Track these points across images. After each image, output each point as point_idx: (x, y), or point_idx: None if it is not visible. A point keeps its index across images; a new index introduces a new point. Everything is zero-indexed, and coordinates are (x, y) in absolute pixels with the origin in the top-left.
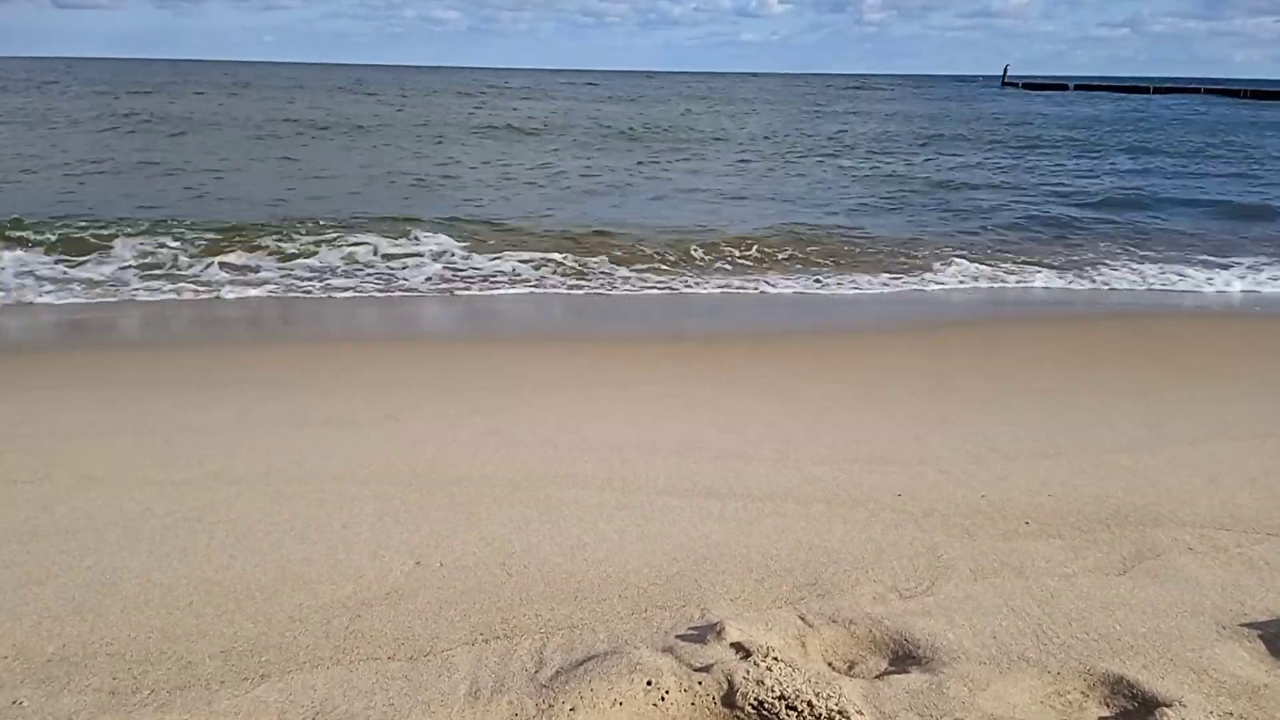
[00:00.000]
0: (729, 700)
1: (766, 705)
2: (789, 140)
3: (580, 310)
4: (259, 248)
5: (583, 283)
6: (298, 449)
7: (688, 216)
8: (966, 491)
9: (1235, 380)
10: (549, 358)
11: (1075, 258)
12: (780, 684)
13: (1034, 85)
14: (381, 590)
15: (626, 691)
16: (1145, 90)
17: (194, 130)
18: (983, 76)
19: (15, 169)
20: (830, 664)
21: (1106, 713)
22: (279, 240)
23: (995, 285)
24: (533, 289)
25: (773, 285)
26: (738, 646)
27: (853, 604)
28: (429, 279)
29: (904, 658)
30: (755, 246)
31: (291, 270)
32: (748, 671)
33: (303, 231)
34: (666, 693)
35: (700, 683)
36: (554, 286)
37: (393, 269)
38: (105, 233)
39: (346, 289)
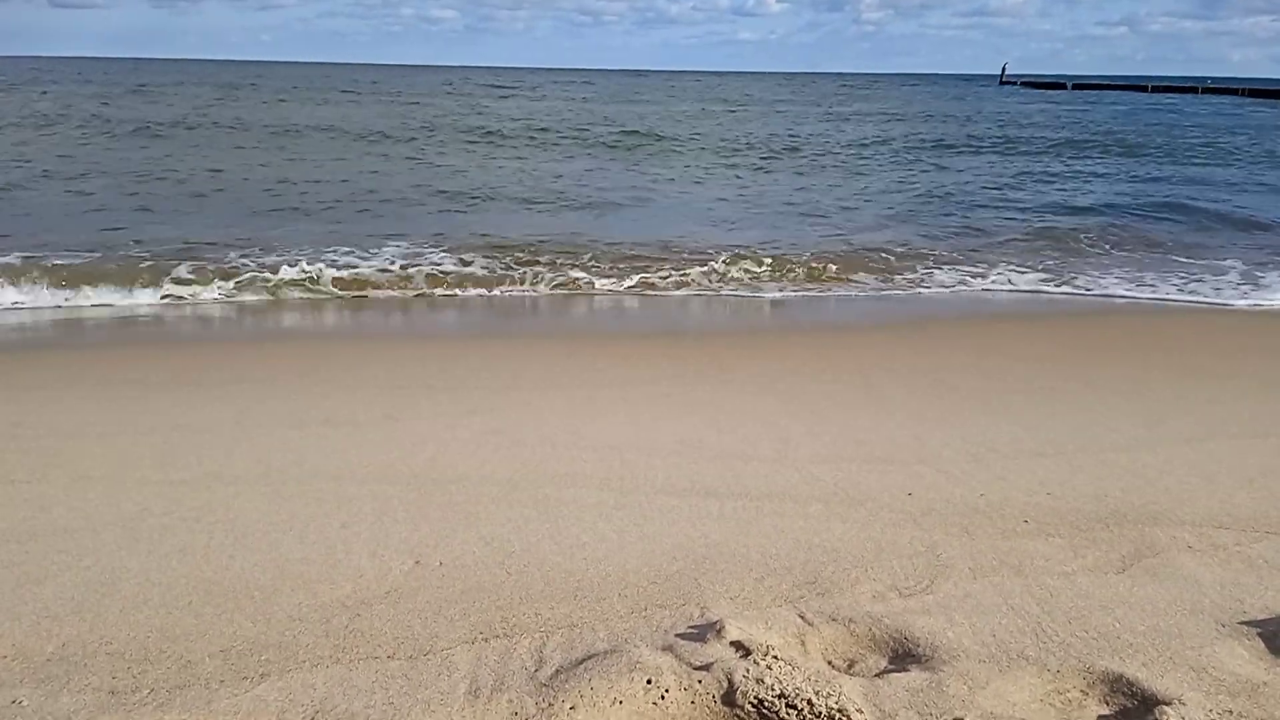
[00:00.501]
0: (729, 699)
1: (766, 704)
2: (799, 141)
3: (584, 311)
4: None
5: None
6: (296, 449)
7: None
8: (965, 490)
9: (1233, 379)
10: (548, 357)
11: (1076, 258)
12: (780, 682)
13: (1033, 84)
14: (381, 589)
15: (626, 690)
16: (1144, 89)
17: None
18: (981, 76)
19: None
20: (830, 662)
21: (1106, 711)
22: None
23: (995, 286)
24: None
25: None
26: (737, 645)
27: (852, 602)
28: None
29: (904, 656)
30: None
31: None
32: (748, 670)
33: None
34: (666, 691)
35: (700, 681)
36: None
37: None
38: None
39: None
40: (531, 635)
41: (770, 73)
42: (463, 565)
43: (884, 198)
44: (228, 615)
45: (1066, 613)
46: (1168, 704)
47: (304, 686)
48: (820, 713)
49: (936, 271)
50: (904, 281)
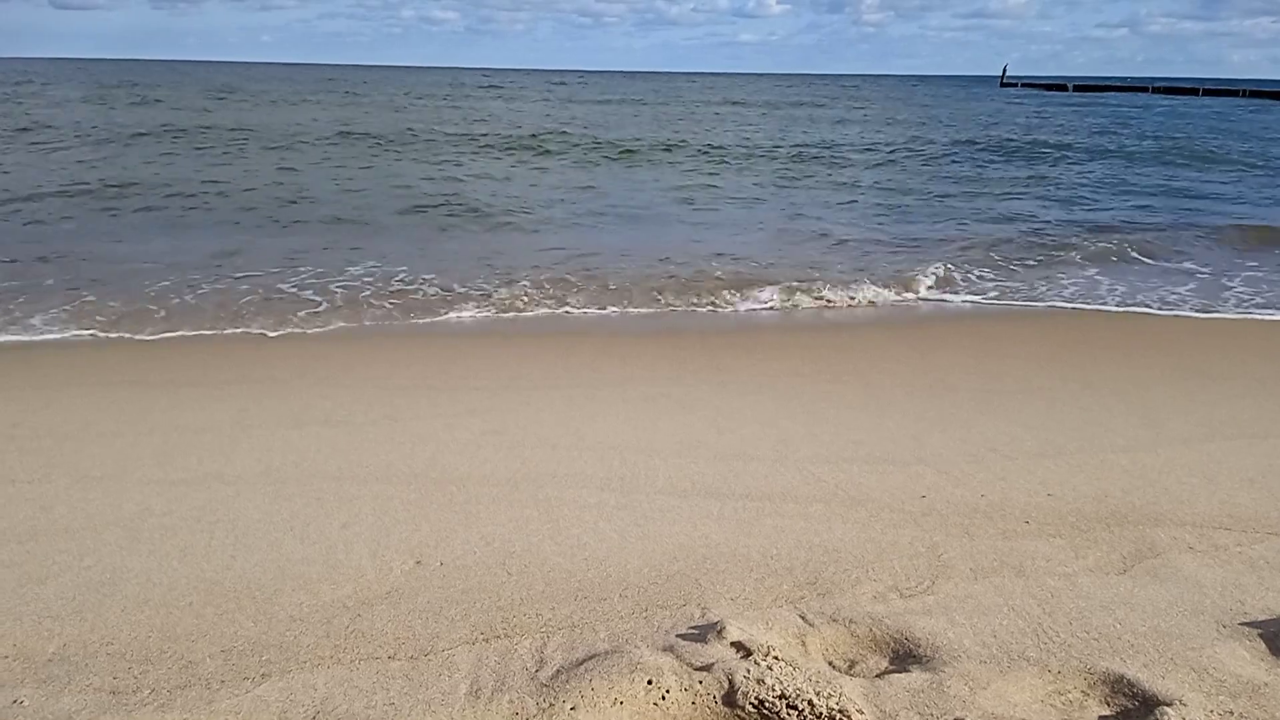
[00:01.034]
0: (730, 699)
1: (767, 704)
2: (789, 144)
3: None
4: None
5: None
6: (297, 449)
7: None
8: (966, 491)
9: (1233, 380)
10: (548, 357)
11: (1076, 259)
12: (781, 683)
13: (1033, 85)
14: (382, 590)
15: (627, 690)
16: (1145, 89)
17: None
18: (981, 77)
19: None
20: (831, 663)
21: (1107, 711)
22: None
23: (994, 286)
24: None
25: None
26: (738, 645)
27: (853, 603)
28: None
29: (904, 656)
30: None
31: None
32: (748, 670)
33: None
34: (667, 692)
35: (701, 682)
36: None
37: None
38: None
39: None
40: (532, 635)
41: (770, 73)
42: (463, 565)
43: (882, 197)
44: (229, 615)
45: (1067, 613)
46: (1169, 705)
47: (305, 687)
48: (821, 713)
49: (935, 274)
50: (904, 282)
